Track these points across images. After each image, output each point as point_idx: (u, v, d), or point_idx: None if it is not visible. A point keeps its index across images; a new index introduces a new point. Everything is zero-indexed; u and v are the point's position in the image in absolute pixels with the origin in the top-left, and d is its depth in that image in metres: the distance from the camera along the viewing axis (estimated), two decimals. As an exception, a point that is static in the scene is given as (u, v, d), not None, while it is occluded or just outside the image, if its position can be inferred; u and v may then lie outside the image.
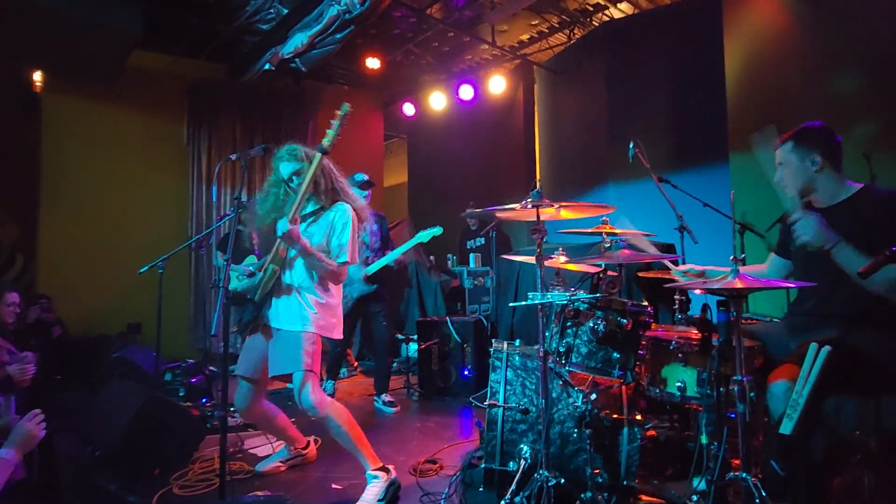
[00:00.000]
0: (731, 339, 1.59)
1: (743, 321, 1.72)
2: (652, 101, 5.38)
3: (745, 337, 1.84)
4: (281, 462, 2.70)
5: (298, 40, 4.40)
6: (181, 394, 3.83)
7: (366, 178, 3.91)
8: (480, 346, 4.07)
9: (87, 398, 3.54)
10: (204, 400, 3.82)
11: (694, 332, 2.03)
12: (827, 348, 1.61)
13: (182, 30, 5.46)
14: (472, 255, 5.41)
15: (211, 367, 4.17)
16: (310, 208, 2.42)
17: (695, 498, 1.85)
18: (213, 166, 5.98)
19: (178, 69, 5.98)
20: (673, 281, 2.23)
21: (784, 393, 1.67)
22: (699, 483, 1.82)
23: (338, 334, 2.42)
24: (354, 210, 2.41)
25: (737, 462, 1.68)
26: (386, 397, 3.83)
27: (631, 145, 3.13)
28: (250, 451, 2.98)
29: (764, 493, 1.53)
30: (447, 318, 4.19)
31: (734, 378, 1.58)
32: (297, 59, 4.77)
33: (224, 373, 2.12)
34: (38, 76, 5.59)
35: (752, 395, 1.64)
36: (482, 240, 5.66)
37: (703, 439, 1.78)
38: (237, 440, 3.05)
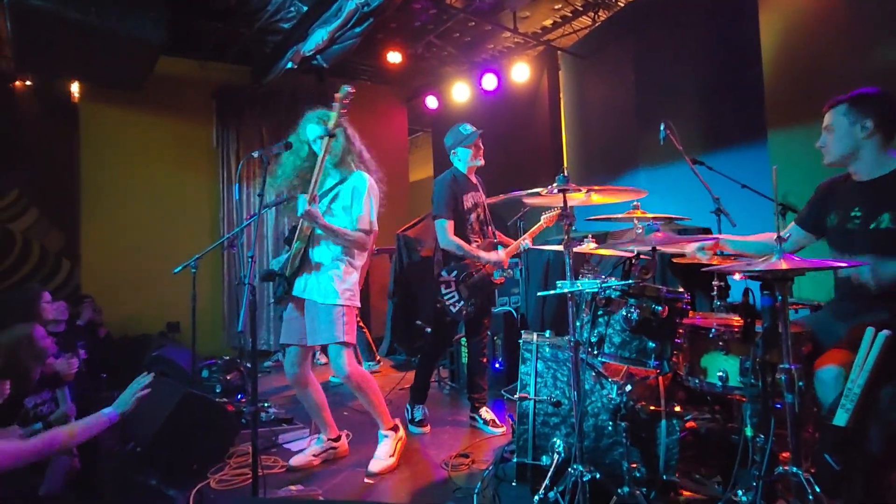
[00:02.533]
0: (776, 325, 1.49)
1: (789, 305, 1.62)
2: (683, 80, 5.16)
3: (792, 323, 1.73)
4: (314, 456, 2.73)
5: (319, 37, 4.41)
6: (218, 390, 3.91)
7: (471, 129, 3.20)
8: (511, 339, 4.01)
9: (129, 396, 3.65)
10: (239, 396, 3.89)
11: (735, 319, 1.93)
12: (885, 333, 1.49)
13: (206, 34, 5.56)
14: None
15: (246, 364, 4.25)
16: (330, 182, 2.54)
17: (740, 493, 1.75)
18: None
19: (204, 73, 6.11)
20: (707, 266, 2.13)
21: (834, 380, 1.56)
22: (745, 477, 1.72)
23: (357, 302, 2.56)
24: (372, 177, 2.56)
25: (785, 455, 1.58)
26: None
27: (662, 127, 3.01)
28: (284, 445, 3.02)
29: (817, 489, 1.43)
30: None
31: (781, 366, 1.48)
32: (318, 56, 4.78)
33: (254, 369, 2.14)
34: (75, 87, 5.81)
35: (800, 384, 1.53)
36: None
37: (748, 432, 1.68)
38: (271, 435, 3.09)
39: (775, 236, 1.52)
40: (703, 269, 1.81)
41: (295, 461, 2.70)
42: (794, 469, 1.47)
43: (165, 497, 2.34)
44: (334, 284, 2.47)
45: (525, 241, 3.18)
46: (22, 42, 4.51)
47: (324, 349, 2.55)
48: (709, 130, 4.94)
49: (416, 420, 3.20)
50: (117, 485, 2.47)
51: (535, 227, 3.23)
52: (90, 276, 5.71)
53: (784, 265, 1.43)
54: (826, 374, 1.62)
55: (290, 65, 5.01)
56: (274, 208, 5.79)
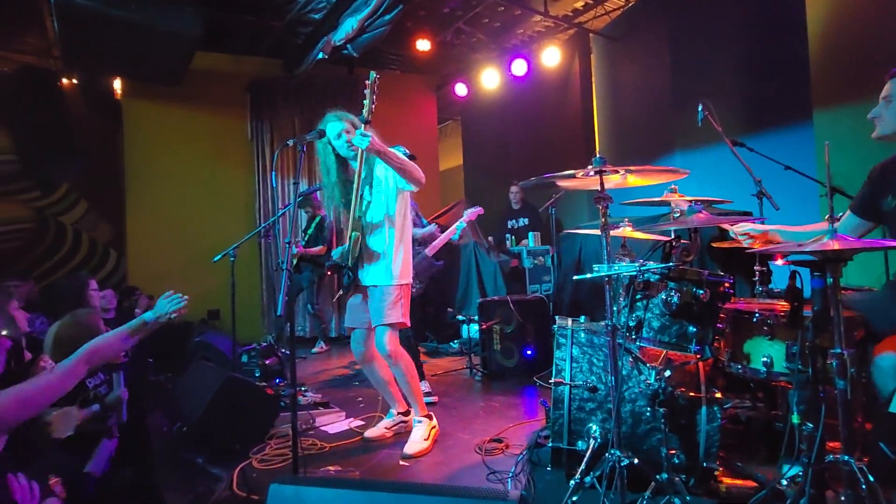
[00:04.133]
0: (827, 308, 1.43)
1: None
2: (721, 58, 4.95)
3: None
4: (386, 429, 2.88)
5: (349, 26, 4.43)
6: (257, 374, 4.03)
7: (407, 152, 3.79)
8: (542, 326, 3.99)
9: (174, 379, 3.82)
10: (277, 380, 4.00)
11: (779, 304, 1.86)
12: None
13: (239, 28, 5.67)
14: (531, 234, 5.30)
15: (283, 350, 4.36)
16: (364, 172, 2.65)
17: (785, 482, 1.71)
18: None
19: (238, 67, 6.24)
20: (745, 249, 2.05)
21: (893, 367, 1.49)
22: (791, 466, 1.67)
23: (409, 278, 2.73)
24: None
25: (834, 444, 1.52)
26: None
27: (700, 108, 2.90)
28: (321, 428, 3.10)
29: (871, 478, 1.37)
30: (508, 297, 4.14)
31: (832, 351, 1.42)
32: (348, 46, 4.81)
33: (292, 352, 2.20)
34: (117, 84, 6.03)
35: (852, 370, 1.47)
36: (526, 219, 5.52)
37: (795, 419, 1.62)
38: (309, 418, 3.18)
39: (826, 219, 1.45)
40: (746, 252, 1.75)
41: (369, 433, 2.85)
42: (846, 457, 1.41)
43: (211, 475, 2.44)
44: (389, 266, 2.64)
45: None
46: (68, 41, 4.70)
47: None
48: (750, 110, 4.74)
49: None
50: (167, 463, 2.58)
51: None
52: (136, 266, 5.96)
53: (836, 245, 1.37)
54: (885, 362, 1.54)
55: (321, 55, 5.06)
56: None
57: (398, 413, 2.91)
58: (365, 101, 2.47)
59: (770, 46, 4.63)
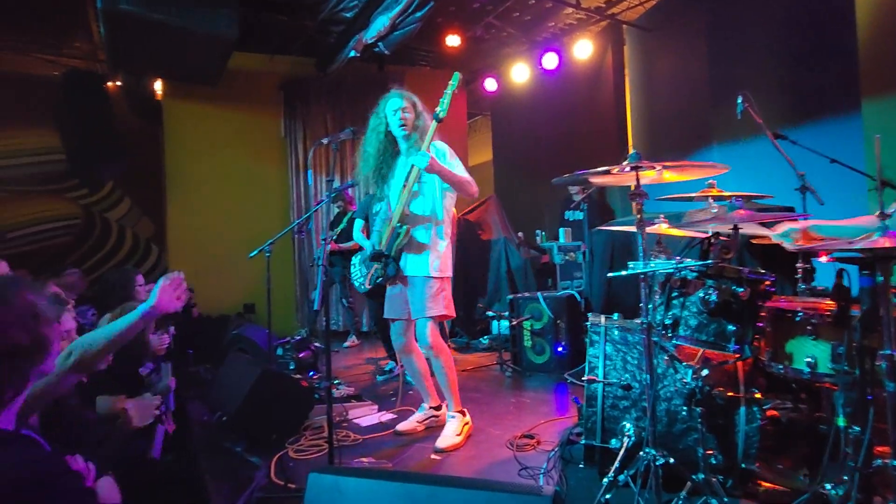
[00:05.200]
0: (876, 308, 1.38)
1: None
2: (762, 46, 4.76)
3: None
4: (418, 422, 2.91)
5: (380, 24, 4.47)
6: (291, 367, 4.14)
7: None
8: (574, 322, 3.95)
9: (213, 371, 3.96)
10: (311, 373, 4.10)
11: (823, 303, 1.79)
12: None
13: (274, 28, 5.79)
14: (561, 230, 5.23)
15: (316, 343, 4.46)
16: (408, 165, 2.68)
17: (829, 486, 1.65)
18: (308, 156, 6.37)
19: (272, 66, 6.38)
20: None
21: None
22: (836, 470, 1.62)
23: (449, 272, 2.75)
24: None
25: (883, 449, 1.46)
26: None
27: (739, 100, 2.81)
28: (354, 420, 3.17)
29: (923, 484, 1.32)
30: (538, 293, 4.12)
31: (882, 352, 1.37)
32: (380, 43, 4.85)
33: (327, 347, 2.25)
34: (158, 85, 6.25)
35: (902, 372, 1.41)
36: (581, 213, 5.42)
37: (841, 422, 1.57)
38: (342, 410, 3.24)
39: (877, 215, 1.39)
40: (790, 248, 1.69)
41: (400, 427, 2.89)
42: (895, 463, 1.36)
43: (250, 463, 2.53)
44: (433, 259, 2.66)
45: None
46: (113, 45, 4.90)
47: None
48: (792, 101, 4.55)
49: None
50: (208, 451, 2.69)
51: None
52: (175, 261, 6.19)
53: (887, 243, 1.32)
54: None
55: (352, 53, 5.12)
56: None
57: (430, 407, 2.94)
58: (442, 100, 2.56)
59: (814, 33, 4.43)
